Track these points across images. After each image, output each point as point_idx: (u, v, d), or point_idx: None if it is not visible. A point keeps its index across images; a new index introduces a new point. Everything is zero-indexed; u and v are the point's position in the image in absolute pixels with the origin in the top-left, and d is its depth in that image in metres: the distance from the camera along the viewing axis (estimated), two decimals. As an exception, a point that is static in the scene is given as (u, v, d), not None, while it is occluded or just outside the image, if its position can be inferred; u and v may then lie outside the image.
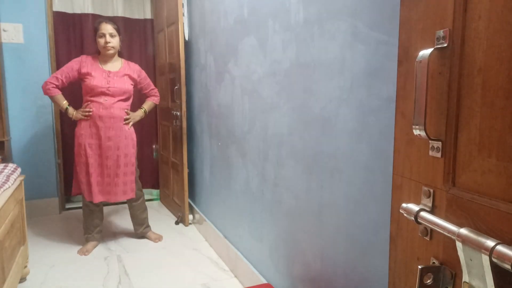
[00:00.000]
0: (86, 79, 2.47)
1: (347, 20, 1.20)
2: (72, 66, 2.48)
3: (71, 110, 2.49)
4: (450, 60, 0.58)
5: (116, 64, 2.56)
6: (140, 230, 2.76)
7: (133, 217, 2.75)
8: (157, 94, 2.81)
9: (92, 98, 2.47)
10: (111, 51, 2.49)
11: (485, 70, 0.52)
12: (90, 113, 2.45)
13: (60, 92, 2.49)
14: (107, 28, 2.45)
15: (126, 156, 2.54)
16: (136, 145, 2.65)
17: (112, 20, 2.69)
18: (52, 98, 2.50)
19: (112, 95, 2.49)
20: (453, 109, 0.58)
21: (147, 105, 2.75)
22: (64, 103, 2.50)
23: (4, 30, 2.98)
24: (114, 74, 2.52)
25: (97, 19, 2.59)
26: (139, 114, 2.68)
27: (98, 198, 2.51)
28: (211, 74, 2.55)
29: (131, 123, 2.60)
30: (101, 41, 2.45)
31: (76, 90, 2.76)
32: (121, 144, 2.52)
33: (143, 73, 2.71)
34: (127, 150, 2.55)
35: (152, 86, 2.78)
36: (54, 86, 2.46)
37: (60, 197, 3.33)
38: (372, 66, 1.11)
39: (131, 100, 2.64)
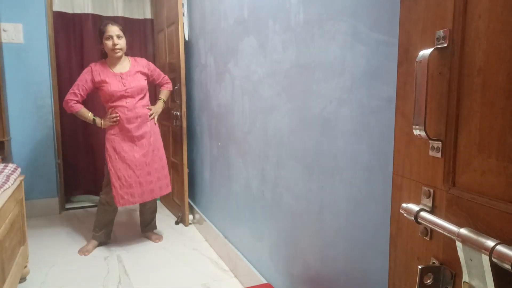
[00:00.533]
0: (102, 87, 2.47)
1: (347, 20, 1.20)
2: (86, 78, 2.47)
3: (98, 120, 2.50)
4: (450, 60, 0.58)
5: (125, 65, 2.56)
6: (146, 228, 2.80)
7: (142, 215, 2.79)
8: (169, 80, 2.81)
9: (114, 104, 2.48)
10: (119, 53, 2.48)
11: (485, 70, 0.52)
12: (118, 118, 2.47)
13: (82, 106, 2.50)
14: (114, 30, 2.43)
15: (158, 150, 2.62)
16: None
17: (115, 20, 2.69)
18: (77, 113, 2.50)
19: (132, 96, 2.51)
20: (453, 109, 0.58)
21: (163, 94, 2.77)
22: (90, 115, 2.50)
23: (4, 30, 2.98)
24: (126, 74, 2.52)
25: (103, 21, 2.59)
26: (160, 105, 2.71)
27: (142, 198, 2.53)
28: (211, 74, 2.55)
29: (156, 117, 2.65)
30: (109, 43, 2.44)
31: (89, 97, 2.77)
32: (151, 139, 2.58)
33: (151, 65, 2.71)
34: (158, 144, 2.63)
35: (163, 75, 2.78)
36: (75, 102, 2.46)
37: (60, 197, 3.33)
38: (372, 67, 1.11)
39: (148, 95, 2.66)
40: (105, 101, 2.52)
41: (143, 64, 2.64)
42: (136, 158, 2.51)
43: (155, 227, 2.85)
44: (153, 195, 2.58)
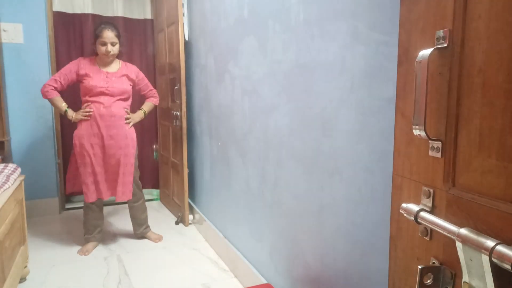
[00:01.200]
0: (84, 80, 2.47)
1: (347, 20, 1.20)
2: (70, 68, 2.49)
3: (70, 112, 2.49)
4: (450, 60, 0.58)
5: (114, 66, 2.58)
6: (140, 230, 2.76)
7: (133, 218, 2.75)
8: (156, 95, 2.81)
9: (91, 99, 2.47)
10: (111, 58, 2.52)
11: (485, 70, 0.52)
12: (91, 113, 2.45)
13: (58, 95, 2.49)
14: (109, 37, 2.44)
15: (126, 156, 2.54)
16: (136, 146, 2.65)
17: (113, 23, 2.69)
18: (50, 100, 2.49)
19: (111, 95, 2.50)
20: (453, 109, 0.58)
21: (147, 106, 2.75)
22: (63, 105, 2.50)
23: (4, 30, 2.98)
24: (112, 74, 2.53)
25: (100, 24, 2.58)
26: (138, 115, 2.68)
27: (107, 194, 2.52)
28: (211, 74, 2.55)
29: (131, 124, 2.60)
30: (102, 48, 2.45)
31: (75, 93, 2.77)
32: (121, 143, 2.52)
33: (141, 74, 2.72)
34: (127, 150, 2.55)
35: (151, 87, 2.78)
36: (53, 88, 2.46)
37: (60, 197, 3.33)
38: (372, 67, 1.11)
39: (130, 101, 2.64)
40: (83, 95, 2.51)
41: (132, 70, 2.65)
42: (102, 157, 2.49)
43: (149, 227, 2.81)
44: (115, 195, 2.54)
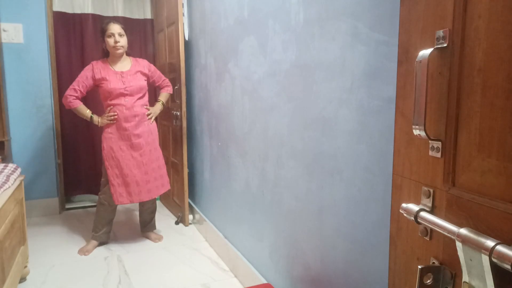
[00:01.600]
0: (102, 84, 2.49)
1: (347, 20, 1.20)
2: (86, 75, 2.50)
3: (96, 118, 2.51)
4: (450, 60, 0.58)
5: (126, 64, 2.59)
6: (145, 228, 2.80)
7: (141, 215, 2.79)
8: (169, 84, 2.82)
9: (112, 102, 2.50)
10: (121, 51, 2.51)
11: (485, 70, 0.52)
12: (115, 116, 2.49)
13: (81, 103, 2.51)
14: (115, 28, 2.47)
15: (156, 150, 2.63)
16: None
17: (117, 20, 2.71)
18: (75, 110, 2.51)
19: (131, 95, 2.52)
20: (453, 109, 0.58)
21: (163, 96, 2.78)
22: (88, 112, 2.52)
23: (4, 30, 2.98)
24: (127, 73, 2.55)
25: (105, 20, 2.62)
26: (158, 107, 2.72)
27: (139, 197, 2.54)
28: (211, 74, 2.55)
29: (153, 118, 2.65)
30: (111, 41, 2.47)
31: (90, 95, 2.78)
32: (149, 139, 2.59)
33: (152, 67, 2.73)
34: (155, 144, 2.64)
35: (163, 77, 2.79)
36: (74, 97, 2.47)
37: (60, 197, 3.33)
38: (372, 67, 1.11)
39: (147, 96, 2.67)
40: (104, 99, 2.54)
41: (144, 64, 2.66)
42: (133, 157, 2.52)
43: (154, 227, 2.85)
44: (150, 194, 2.59)
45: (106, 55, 2.57)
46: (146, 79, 2.64)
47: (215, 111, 2.51)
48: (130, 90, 2.51)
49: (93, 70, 2.50)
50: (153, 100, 2.78)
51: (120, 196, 2.50)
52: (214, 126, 2.54)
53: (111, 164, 2.50)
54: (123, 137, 2.51)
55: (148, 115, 2.61)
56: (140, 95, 2.58)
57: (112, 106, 2.50)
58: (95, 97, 2.95)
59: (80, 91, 2.48)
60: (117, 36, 2.47)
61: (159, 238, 2.76)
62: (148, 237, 2.78)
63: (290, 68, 1.56)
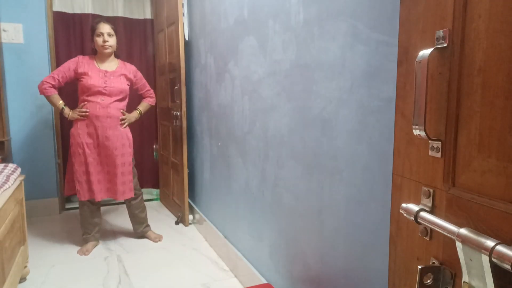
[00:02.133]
0: (82, 78, 2.48)
1: (347, 20, 1.20)
2: (69, 66, 2.50)
3: (67, 110, 2.50)
4: (450, 60, 0.58)
5: (113, 64, 2.58)
6: (140, 229, 2.76)
7: (132, 217, 2.75)
8: (153, 95, 2.81)
9: (88, 98, 2.48)
10: (109, 50, 2.51)
11: (485, 70, 0.52)
12: (87, 114, 2.46)
13: (56, 92, 2.50)
14: (105, 28, 2.48)
15: (123, 155, 2.56)
16: (133, 145, 2.67)
17: (110, 20, 2.71)
18: (48, 98, 2.50)
19: (109, 95, 2.51)
20: (453, 109, 0.58)
21: (143, 106, 2.76)
22: (60, 103, 2.50)
23: (4, 30, 2.98)
24: (111, 73, 2.54)
25: (95, 19, 2.63)
26: (134, 115, 2.69)
27: (100, 195, 2.52)
28: (211, 74, 2.55)
29: (126, 124, 2.61)
30: (99, 40, 2.47)
31: (73, 91, 2.78)
32: (118, 143, 2.54)
33: (139, 74, 2.73)
34: (124, 149, 2.57)
35: (148, 87, 2.78)
36: (51, 85, 2.47)
37: (60, 197, 3.33)
38: (372, 67, 1.11)
39: (127, 101, 2.66)
40: (81, 94, 2.52)
41: (131, 69, 2.66)
42: (98, 157, 2.51)
43: (149, 226, 2.82)
44: (109, 194, 2.55)
45: (95, 53, 2.57)
46: (129, 84, 2.63)
47: (215, 111, 2.51)
48: (109, 90, 2.50)
49: (77, 63, 2.50)
50: (132, 108, 2.75)
51: (86, 192, 2.50)
52: (214, 126, 2.54)
53: (78, 161, 2.49)
54: (91, 135, 2.49)
55: (122, 119, 2.57)
56: (119, 97, 2.56)
57: (86, 102, 2.48)
58: (72, 92, 2.93)
59: (59, 80, 2.48)
60: (106, 35, 2.47)
61: (159, 238, 2.76)
62: (147, 237, 2.77)
63: (290, 68, 1.56)
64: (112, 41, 2.50)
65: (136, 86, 2.72)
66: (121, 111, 2.58)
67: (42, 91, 2.47)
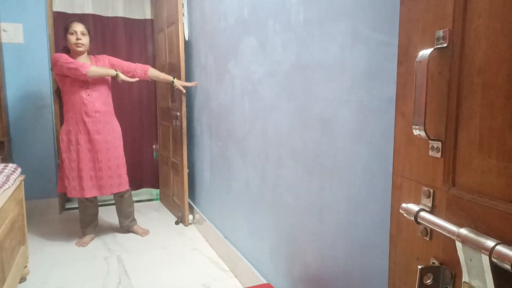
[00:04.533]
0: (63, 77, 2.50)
1: (347, 20, 1.20)
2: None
3: (121, 75, 2.54)
4: (450, 60, 0.58)
5: (85, 61, 2.58)
6: (126, 223, 2.82)
7: (119, 211, 2.81)
8: (146, 65, 2.77)
9: (74, 96, 2.51)
10: (81, 48, 2.53)
11: (485, 70, 0.52)
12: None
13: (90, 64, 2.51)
14: (79, 27, 2.51)
15: (115, 148, 2.61)
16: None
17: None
18: (93, 72, 2.46)
19: (92, 89, 2.54)
20: (453, 109, 0.58)
21: (156, 73, 2.78)
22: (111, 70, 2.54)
23: (4, 30, 2.98)
24: None
25: (69, 18, 2.66)
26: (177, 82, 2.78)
27: (91, 192, 2.55)
28: (211, 74, 2.55)
29: (122, 76, 2.58)
30: (72, 38, 2.50)
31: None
32: (109, 137, 2.58)
33: (114, 59, 2.70)
34: (116, 143, 2.62)
35: (134, 65, 2.72)
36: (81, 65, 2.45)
37: (60, 197, 3.33)
38: (372, 67, 1.11)
39: (109, 93, 2.67)
40: (64, 93, 2.55)
41: (104, 60, 2.66)
42: (89, 152, 2.54)
43: (135, 220, 2.87)
44: (101, 191, 2.58)
45: (68, 52, 2.56)
46: None
47: (215, 111, 2.51)
48: (89, 85, 2.52)
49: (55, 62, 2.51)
50: (116, 96, 2.73)
51: (73, 189, 2.53)
52: (214, 126, 2.54)
53: (69, 157, 2.53)
54: (82, 131, 2.52)
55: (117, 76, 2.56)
56: (102, 90, 2.58)
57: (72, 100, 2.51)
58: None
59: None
60: (79, 34, 2.50)
61: (146, 232, 2.82)
62: (134, 231, 2.82)
63: (290, 68, 1.56)
64: (85, 40, 2.53)
65: (123, 70, 2.66)
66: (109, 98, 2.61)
67: (85, 70, 2.41)
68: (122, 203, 2.76)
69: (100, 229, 2.87)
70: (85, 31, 2.54)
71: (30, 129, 3.15)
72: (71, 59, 2.45)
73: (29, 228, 2.89)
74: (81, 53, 2.55)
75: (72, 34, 2.50)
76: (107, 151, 2.56)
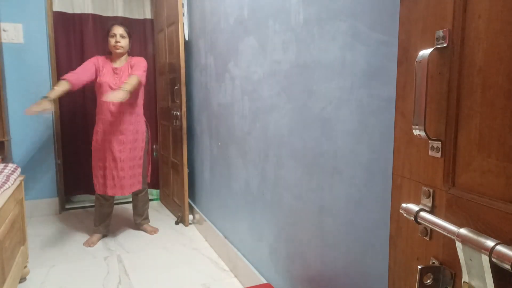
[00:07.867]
0: (98, 76, 2.61)
1: (347, 20, 1.20)
2: (88, 63, 2.62)
3: (50, 97, 2.34)
4: (450, 60, 0.58)
5: (122, 60, 2.69)
6: (139, 220, 2.90)
7: (135, 208, 2.90)
8: (138, 72, 2.62)
9: (102, 96, 2.57)
10: (120, 50, 2.62)
11: (485, 70, 0.52)
12: (45, 110, 2.28)
13: (66, 80, 2.42)
14: (119, 30, 2.61)
15: (135, 149, 2.69)
16: (146, 140, 2.77)
17: (110, 20, 2.77)
18: (60, 82, 2.43)
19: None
20: (453, 109, 0.58)
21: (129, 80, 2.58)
22: (56, 88, 2.38)
23: (4, 30, 2.98)
24: (120, 70, 2.64)
25: (110, 22, 2.79)
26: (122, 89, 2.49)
27: (113, 191, 2.62)
28: (211, 74, 2.55)
29: (123, 90, 2.40)
30: (112, 40, 2.61)
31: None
32: (131, 137, 2.66)
33: (139, 64, 2.62)
34: (137, 144, 2.70)
35: (137, 71, 2.60)
36: (67, 77, 2.46)
37: (60, 197, 3.33)
38: (372, 67, 1.11)
39: (139, 94, 2.68)
40: (97, 93, 2.64)
41: (134, 61, 2.67)
42: (113, 152, 2.59)
43: (148, 220, 2.97)
44: (123, 191, 2.64)
45: (110, 53, 2.70)
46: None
47: (215, 111, 2.51)
48: (118, 86, 2.55)
49: (97, 60, 2.64)
50: (147, 101, 2.77)
51: (101, 186, 2.62)
52: (214, 126, 2.54)
53: (96, 156, 2.63)
54: (109, 132, 2.59)
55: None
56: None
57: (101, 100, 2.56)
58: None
59: (77, 74, 2.50)
60: (118, 36, 2.60)
61: (155, 231, 2.88)
62: (143, 230, 2.90)
63: (290, 68, 1.56)
64: (123, 42, 2.62)
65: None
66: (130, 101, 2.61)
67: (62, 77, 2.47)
68: (137, 200, 2.86)
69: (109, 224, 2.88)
70: (125, 34, 2.63)
71: (30, 129, 3.15)
72: (78, 69, 2.57)
73: (29, 228, 2.89)
74: (120, 54, 2.65)
75: (112, 36, 2.60)
76: (129, 151, 2.64)
